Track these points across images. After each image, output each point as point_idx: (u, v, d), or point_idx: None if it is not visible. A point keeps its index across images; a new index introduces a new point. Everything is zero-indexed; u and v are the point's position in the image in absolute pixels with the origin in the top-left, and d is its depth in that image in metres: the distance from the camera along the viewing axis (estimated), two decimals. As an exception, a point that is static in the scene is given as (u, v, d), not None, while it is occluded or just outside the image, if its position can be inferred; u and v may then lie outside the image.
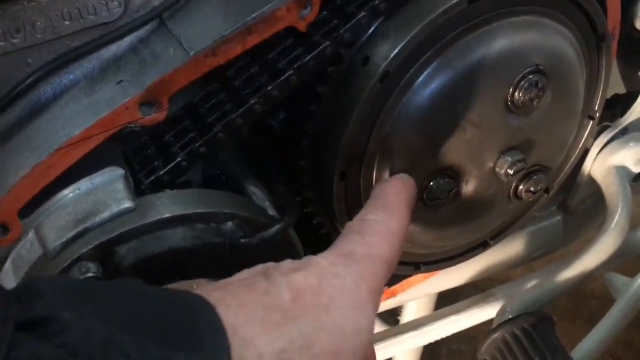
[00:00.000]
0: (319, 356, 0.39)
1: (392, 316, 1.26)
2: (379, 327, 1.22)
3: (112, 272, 0.55)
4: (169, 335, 0.35)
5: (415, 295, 1.04)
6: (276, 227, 0.61)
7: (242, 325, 0.38)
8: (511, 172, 0.73)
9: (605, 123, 1.02)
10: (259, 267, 0.45)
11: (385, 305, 1.00)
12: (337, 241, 0.49)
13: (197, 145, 0.64)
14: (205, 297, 0.39)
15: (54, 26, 0.59)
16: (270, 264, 0.45)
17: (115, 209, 0.57)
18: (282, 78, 0.64)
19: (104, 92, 0.60)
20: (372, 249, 0.47)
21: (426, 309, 1.17)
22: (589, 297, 1.78)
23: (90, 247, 0.55)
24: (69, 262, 0.56)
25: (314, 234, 0.78)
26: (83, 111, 0.59)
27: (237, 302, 0.39)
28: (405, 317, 1.18)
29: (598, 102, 0.83)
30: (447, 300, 1.14)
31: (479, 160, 0.72)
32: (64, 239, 0.56)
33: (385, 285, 0.92)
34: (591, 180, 1.00)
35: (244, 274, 0.45)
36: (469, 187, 0.74)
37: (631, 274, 1.01)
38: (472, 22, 0.65)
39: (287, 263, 0.45)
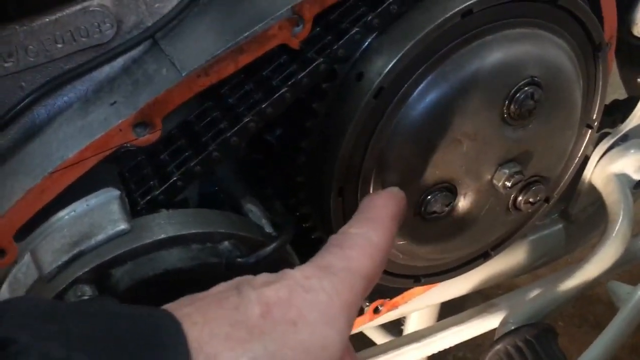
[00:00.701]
0: None
1: (395, 327, 1.25)
2: (382, 339, 1.22)
3: (108, 295, 0.55)
4: (131, 353, 0.35)
5: (418, 307, 1.03)
6: (272, 246, 0.61)
7: (207, 341, 0.38)
8: (509, 184, 0.72)
9: (605, 130, 1.02)
10: (235, 281, 0.45)
11: (387, 317, 0.99)
12: (317, 254, 0.49)
13: (192, 164, 0.64)
14: (172, 313, 0.39)
15: (47, 49, 0.59)
16: (246, 277, 0.45)
17: (110, 231, 0.57)
18: (276, 95, 0.64)
19: (98, 113, 0.60)
20: (351, 262, 0.47)
21: (429, 319, 1.17)
22: (595, 302, 1.77)
23: (86, 270, 0.55)
24: (64, 286, 0.55)
25: (313, 250, 0.78)
26: (77, 133, 0.59)
27: (204, 318, 0.39)
28: (409, 328, 1.18)
29: (596, 111, 0.83)
30: (452, 307, 1.13)
31: (476, 173, 0.72)
32: (59, 262, 0.56)
33: (387, 297, 0.93)
34: (592, 188, 1.00)
35: (220, 287, 0.45)
36: (467, 200, 0.73)
37: (635, 282, 1.00)
38: (465, 36, 0.65)
39: (263, 276, 0.45)
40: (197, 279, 0.58)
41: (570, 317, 1.78)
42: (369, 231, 0.50)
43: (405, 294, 0.94)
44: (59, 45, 0.59)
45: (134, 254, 0.56)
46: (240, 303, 0.41)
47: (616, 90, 1.13)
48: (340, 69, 0.65)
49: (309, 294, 0.43)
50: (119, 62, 0.63)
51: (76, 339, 0.34)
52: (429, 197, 0.70)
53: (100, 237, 0.56)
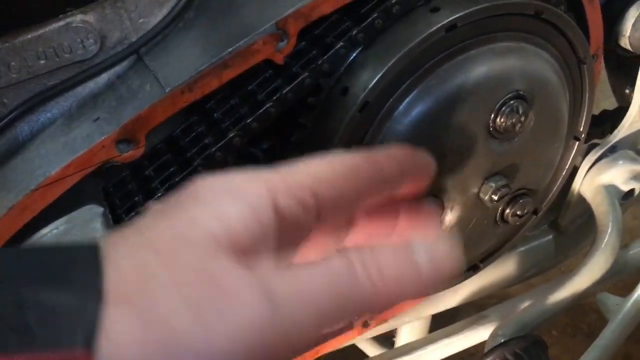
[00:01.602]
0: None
1: (387, 339, 1.24)
2: (374, 351, 1.21)
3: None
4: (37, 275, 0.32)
5: (408, 319, 1.03)
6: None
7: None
8: (495, 197, 0.72)
9: (594, 141, 1.02)
10: None
11: (377, 330, 0.99)
12: None
13: (177, 180, 0.64)
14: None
15: (29, 66, 0.58)
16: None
17: (92, 248, 0.56)
18: (261, 110, 0.64)
19: (81, 130, 0.60)
20: None
21: (421, 331, 1.16)
22: (589, 311, 1.76)
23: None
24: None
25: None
26: (60, 150, 0.59)
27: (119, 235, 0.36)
28: (400, 340, 1.17)
29: (583, 123, 0.83)
30: (445, 317, 1.13)
31: (463, 187, 0.71)
32: (41, 281, 0.56)
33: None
34: (581, 199, 0.99)
35: None
36: (453, 214, 0.73)
37: (628, 292, 1.00)
38: (450, 50, 0.65)
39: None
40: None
41: (564, 327, 1.78)
42: None
43: (395, 307, 0.93)
44: (42, 62, 0.59)
45: (116, 272, 0.55)
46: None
47: (608, 98, 1.14)
48: (325, 83, 0.65)
49: None
50: (103, 77, 0.63)
51: None
52: (416, 210, 0.70)
53: (83, 254, 0.56)
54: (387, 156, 0.44)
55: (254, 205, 0.36)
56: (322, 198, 0.39)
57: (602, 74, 1.03)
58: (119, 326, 0.31)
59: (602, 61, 0.86)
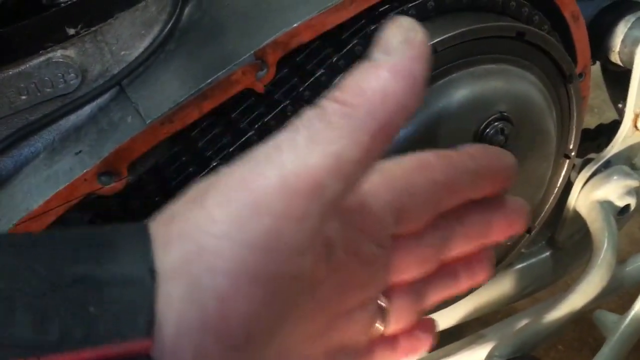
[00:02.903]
0: None
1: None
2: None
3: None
4: (84, 251, 0.30)
5: (405, 340, 1.02)
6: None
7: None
8: (483, 219, 0.72)
9: (589, 156, 1.01)
10: None
11: (374, 351, 0.98)
12: None
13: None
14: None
15: (11, 101, 0.59)
16: None
17: (75, 282, 0.56)
18: (244, 139, 0.64)
19: (63, 163, 0.60)
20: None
21: (420, 350, 1.15)
22: (594, 325, 1.74)
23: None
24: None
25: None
26: (42, 184, 0.59)
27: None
28: (399, 360, 1.16)
29: (573, 141, 0.82)
30: (449, 334, 1.12)
31: (450, 209, 0.71)
32: (24, 316, 0.56)
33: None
34: (577, 215, 0.99)
35: None
36: (441, 237, 0.73)
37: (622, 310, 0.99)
38: (431, 74, 0.65)
39: None
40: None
41: (570, 341, 1.75)
42: None
43: (390, 328, 0.93)
44: (24, 97, 0.59)
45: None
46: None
47: (612, 109, 1.13)
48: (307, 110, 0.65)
49: None
50: (86, 110, 0.63)
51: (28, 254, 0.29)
52: (403, 234, 0.70)
53: (65, 289, 0.56)
54: (460, 153, 0.40)
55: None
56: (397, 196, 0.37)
57: (589, 95, 1.02)
58: (173, 306, 0.29)
59: (589, 79, 0.86)
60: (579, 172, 0.99)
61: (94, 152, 0.60)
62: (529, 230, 0.86)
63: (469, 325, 1.17)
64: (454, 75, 0.66)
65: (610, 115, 1.09)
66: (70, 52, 0.61)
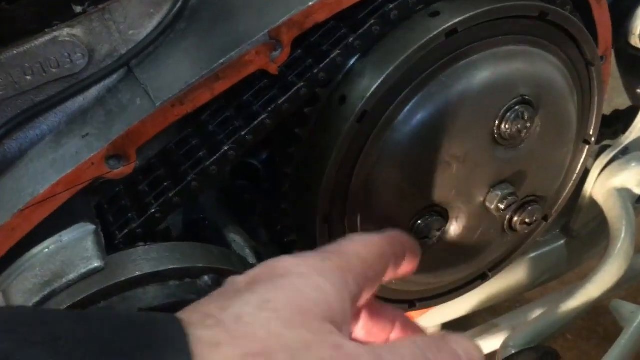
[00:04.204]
0: None
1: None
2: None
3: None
4: (121, 351, 0.31)
5: (417, 329, 1.00)
6: (253, 280, 0.58)
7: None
8: (502, 206, 0.70)
9: (606, 143, 0.99)
10: None
11: (385, 340, 0.96)
12: None
13: (170, 195, 0.62)
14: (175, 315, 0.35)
15: (15, 82, 0.57)
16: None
17: (83, 269, 0.55)
18: (256, 122, 0.62)
19: (70, 146, 0.58)
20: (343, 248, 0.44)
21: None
22: (604, 314, 1.72)
23: (57, 311, 0.53)
24: (36, 328, 0.53)
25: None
26: (48, 168, 0.57)
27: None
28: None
29: (593, 126, 0.80)
30: (459, 322, 1.10)
31: (468, 196, 0.69)
32: (30, 304, 0.54)
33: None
34: (593, 203, 0.97)
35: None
36: (459, 224, 0.71)
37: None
38: (451, 55, 0.63)
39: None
40: (175, 317, 0.56)
41: (579, 330, 1.74)
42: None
43: (403, 317, 0.91)
44: (28, 77, 0.57)
45: (107, 293, 0.54)
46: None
47: (621, 96, 1.11)
48: (322, 92, 0.63)
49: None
50: (93, 92, 0.61)
51: (64, 345, 0.31)
52: (419, 222, 0.68)
53: (72, 275, 0.54)
54: (393, 238, 0.47)
55: (337, 285, 0.38)
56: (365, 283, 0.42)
57: (615, 70, 1.00)
58: None
59: (612, 61, 0.83)
60: (595, 159, 0.97)
61: (102, 135, 0.58)
62: (545, 218, 0.83)
63: (481, 315, 1.15)
64: (474, 57, 0.63)
65: (619, 102, 1.06)
66: (77, 30, 0.58)
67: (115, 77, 0.61)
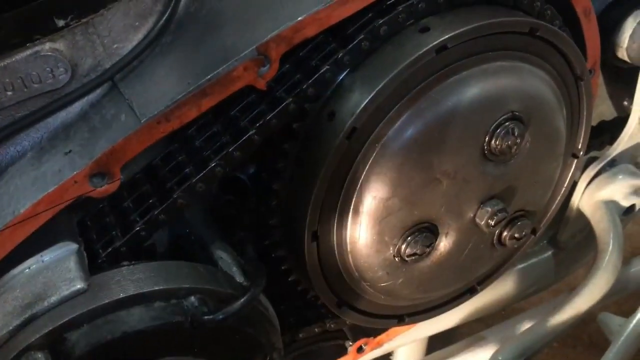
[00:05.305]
0: None
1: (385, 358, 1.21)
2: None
3: (63, 361, 0.51)
4: None
5: (404, 342, 1.00)
6: (241, 301, 0.57)
7: None
8: (492, 222, 0.69)
9: (593, 154, 0.99)
10: None
11: (373, 354, 0.96)
12: None
13: (156, 212, 0.60)
14: None
15: (-4, 98, 0.55)
16: None
17: (65, 291, 0.53)
18: (244, 138, 0.61)
19: (52, 163, 0.57)
20: None
21: (418, 351, 1.13)
22: (589, 322, 1.73)
23: (38, 335, 0.51)
24: (17, 352, 0.52)
25: (290, 293, 0.74)
26: (30, 186, 0.56)
27: None
28: (397, 361, 1.14)
29: (582, 140, 0.80)
30: (444, 333, 1.10)
31: (458, 212, 0.68)
32: (10, 327, 0.52)
33: (370, 335, 0.90)
34: (581, 215, 0.96)
35: None
36: (448, 240, 0.70)
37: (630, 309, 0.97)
38: (441, 72, 0.62)
39: None
40: (161, 339, 0.55)
41: (564, 338, 1.74)
42: None
43: (390, 331, 0.90)
44: (9, 93, 0.56)
45: (90, 316, 0.52)
46: None
47: (604, 102, 1.11)
48: (310, 108, 0.62)
49: None
50: (76, 107, 0.59)
51: None
52: (409, 238, 0.67)
53: (54, 298, 0.53)
54: None
55: None
56: None
57: (597, 92, 1.00)
58: None
59: (599, 76, 0.83)
60: (582, 171, 0.97)
61: (85, 152, 0.56)
62: (534, 232, 0.83)
63: (468, 326, 1.15)
64: (464, 73, 0.63)
65: (602, 110, 1.06)
66: (60, 44, 0.57)
67: (99, 92, 0.60)
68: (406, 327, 0.91)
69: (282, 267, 0.72)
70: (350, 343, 0.87)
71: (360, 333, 0.87)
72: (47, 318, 0.52)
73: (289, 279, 0.73)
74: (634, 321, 0.87)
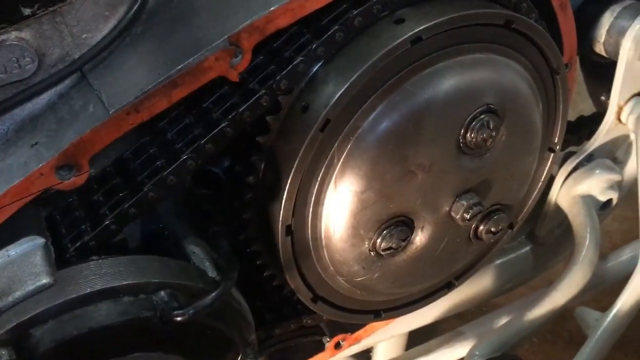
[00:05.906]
0: None
1: (365, 354, 1.21)
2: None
3: (28, 358, 0.50)
4: None
5: (383, 338, 0.99)
6: (212, 295, 0.56)
7: None
8: (467, 216, 0.69)
9: (570, 149, 0.99)
10: None
11: (352, 349, 0.95)
12: None
13: (126, 206, 0.59)
14: None
15: (-41, 88, 0.54)
16: None
17: (30, 286, 0.52)
18: (216, 130, 0.60)
19: (18, 155, 0.55)
20: None
21: (398, 347, 1.12)
22: (569, 318, 1.74)
23: (2, 331, 0.50)
24: (-20, 348, 0.50)
25: (264, 289, 0.74)
26: (-6, 178, 0.54)
27: None
28: (377, 357, 1.13)
29: (558, 134, 0.80)
30: (424, 328, 1.09)
31: (433, 205, 0.68)
32: (-26, 323, 0.51)
33: (348, 331, 0.89)
34: (558, 210, 0.97)
35: None
36: (424, 234, 0.70)
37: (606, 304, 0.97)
38: (416, 63, 0.61)
39: None
40: (130, 335, 0.54)
41: (544, 334, 1.75)
42: None
43: (368, 327, 0.90)
44: (-27, 83, 0.54)
45: (56, 311, 0.51)
46: None
47: (585, 100, 1.11)
48: (284, 100, 0.61)
49: None
50: (43, 98, 0.58)
51: None
52: (384, 232, 0.67)
53: (18, 293, 0.51)
54: None
55: None
56: None
57: (579, 75, 1.00)
58: None
59: (577, 68, 0.83)
60: (560, 166, 0.97)
61: (52, 144, 0.55)
62: (511, 226, 0.83)
63: (447, 322, 1.15)
64: (440, 64, 0.62)
65: (583, 107, 1.06)
66: (26, 34, 0.55)
67: (67, 82, 0.58)
68: (384, 322, 0.90)
69: (257, 262, 0.71)
70: (328, 339, 0.86)
71: (337, 329, 0.86)
72: (11, 314, 0.51)
73: (264, 274, 0.72)
74: (611, 315, 0.88)
